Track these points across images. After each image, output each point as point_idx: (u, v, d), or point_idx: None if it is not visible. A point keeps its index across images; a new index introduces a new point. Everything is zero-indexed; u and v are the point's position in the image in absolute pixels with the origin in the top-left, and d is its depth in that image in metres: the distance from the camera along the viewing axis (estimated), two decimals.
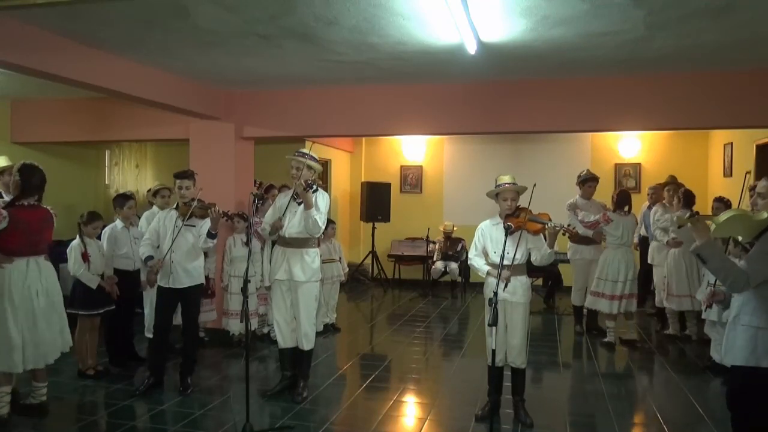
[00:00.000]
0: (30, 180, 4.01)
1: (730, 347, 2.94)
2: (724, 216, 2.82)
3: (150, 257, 4.68)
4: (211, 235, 4.56)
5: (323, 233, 5.87)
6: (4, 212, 3.83)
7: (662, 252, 6.61)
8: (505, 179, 4.10)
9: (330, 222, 6.62)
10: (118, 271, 5.16)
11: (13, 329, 3.87)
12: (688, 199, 6.26)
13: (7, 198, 4.43)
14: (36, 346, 3.99)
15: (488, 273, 4.12)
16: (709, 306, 3.80)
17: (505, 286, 3.92)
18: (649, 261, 6.97)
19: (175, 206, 4.76)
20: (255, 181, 6.85)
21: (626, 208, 6.17)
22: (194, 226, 4.65)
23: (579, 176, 6.69)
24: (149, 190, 5.83)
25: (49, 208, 4.20)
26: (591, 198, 6.62)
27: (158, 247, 4.72)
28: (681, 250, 6.14)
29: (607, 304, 6.10)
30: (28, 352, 3.96)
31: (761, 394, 2.89)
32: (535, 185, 3.86)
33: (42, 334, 4.01)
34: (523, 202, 4.12)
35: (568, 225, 4.11)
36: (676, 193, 6.43)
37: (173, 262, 4.61)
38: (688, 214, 2.91)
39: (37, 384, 4.18)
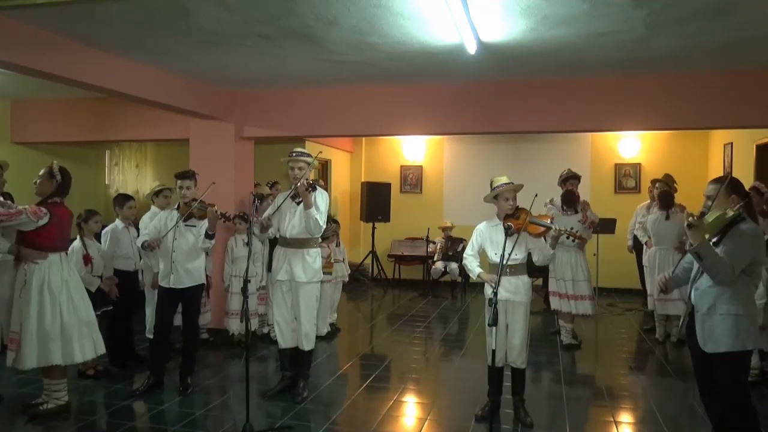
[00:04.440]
0: (67, 181, 4.28)
1: (710, 336, 3.14)
2: (711, 216, 3.10)
3: (146, 241, 4.72)
4: (208, 235, 4.57)
5: (335, 234, 5.92)
6: (44, 209, 4.03)
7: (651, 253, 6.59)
8: (503, 180, 4.10)
9: (335, 222, 6.62)
10: (118, 272, 5.16)
11: (49, 322, 4.03)
12: (666, 200, 6.32)
13: None
14: (77, 338, 4.15)
15: (479, 276, 4.13)
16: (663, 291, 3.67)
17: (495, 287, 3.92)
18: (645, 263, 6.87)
19: (176, 206, 4.77)
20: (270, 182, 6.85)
21: (574, 208, 6.12)
22: (194, 226, 4.67)
23: (560, 176, 6.54)
24: (150, 192, 5.80)
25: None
26: None
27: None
28: (664, 249, 6.14)
29: (557, 302, 6.13)
30: (71, 345, 4.12)
31: (741, 375, 3.16)
32: (536, 195, 3.90)
33: (80, 324, 4.18)
34: (524, 206, 4.11)
35: (571, 228, 4.11)
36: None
37: (174, 262, 4.61)
38: (695, 217, 3.07)
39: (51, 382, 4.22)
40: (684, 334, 3.45)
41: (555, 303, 6.18)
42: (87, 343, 4.21)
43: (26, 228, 4.01)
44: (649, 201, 7.42)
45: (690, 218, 3.01)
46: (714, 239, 3.16)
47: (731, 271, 3.01)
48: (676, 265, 3.48)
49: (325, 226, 4.59)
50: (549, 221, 4.10)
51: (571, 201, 6.18)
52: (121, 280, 5.13)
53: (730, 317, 3.07)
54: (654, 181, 6.98)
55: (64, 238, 4.26)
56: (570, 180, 6.46)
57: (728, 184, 3.21)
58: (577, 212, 6.14)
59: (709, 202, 3.19)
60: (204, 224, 4.61)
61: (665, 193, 6.41)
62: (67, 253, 4.36)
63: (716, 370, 3.18)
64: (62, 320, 4.09)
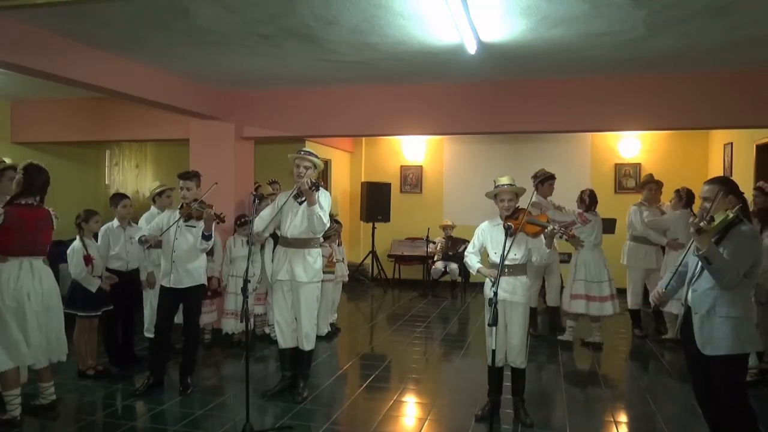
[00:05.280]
0: (33, 180, 3.99)
1: (709, 339, 3.11)
2: (717, 219, 3.08)
3: (143, 236, 4.72)
4: (204, 236, 4.57)
5: (337, 233, 5.87)
6: (0, 209, 3.79)
7: (640, 252, 6.57)
8: (503, 180, 4.11)
9: (337, 222, 6.62)
10: (110, 271, 5.13)
11: (11, 324, 3.83)
12: (690, 198, 6.27)
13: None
14: (27, 346, 3.92)
15: (479, 271, 4.13)
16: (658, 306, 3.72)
17: (495, 283, 3.87)
18: (623, 262, 6.78)
19: (179, 207, 4.77)
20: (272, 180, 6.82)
21: (594, 208, 6.12)
22: (194, 227, 4.66)
23: (536, 176, 6.39)
24: (151, 193, 5.77)
25: (50, 209, 4.17)
26: (547, 198, 6.47)
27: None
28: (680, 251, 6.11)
29: (584, 305, 6.03)
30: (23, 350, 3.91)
31: (740, 376, 3.16)
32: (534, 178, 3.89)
33: (33, 337, 3.92)
34: (523, 202, 4.12)
35: (567, 227, 4.11)
36: (658, 191, 6.50)
37: (174, 262, 4.62)
38: (705, 221, 3.06)
39: (43, 384, 4.16)
40: (679, 333, 3.43)
41: (580, 307, 6.04)
42: (37, 353, 3.96)
43: None
44: (645, 201, 7.42)
45: (702, 222, 2.99)
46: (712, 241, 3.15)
47: (736, 274, 3.01)
48: (670, 278, 3.41)
49: (328, 224, 4.60)
50: (546, 221, 4.12)
51: (595, 200, 6.12)
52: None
53: (730, 320, 3.06)
54: (644, 183, 6.86)
55: (27, 242, 3.91)
56: (548, 180, 6.38)
57: (726, 185, 3.22)
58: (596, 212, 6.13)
59: (707, 204, 3.19)
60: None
61: (691, 192, 6.29)
62: (43, 260, 4.08)
63: (715, 372, 3.16)
64: (9, 332, 3.83)
